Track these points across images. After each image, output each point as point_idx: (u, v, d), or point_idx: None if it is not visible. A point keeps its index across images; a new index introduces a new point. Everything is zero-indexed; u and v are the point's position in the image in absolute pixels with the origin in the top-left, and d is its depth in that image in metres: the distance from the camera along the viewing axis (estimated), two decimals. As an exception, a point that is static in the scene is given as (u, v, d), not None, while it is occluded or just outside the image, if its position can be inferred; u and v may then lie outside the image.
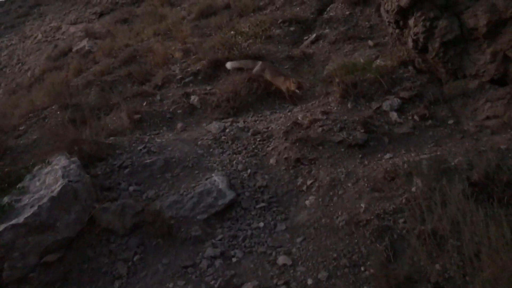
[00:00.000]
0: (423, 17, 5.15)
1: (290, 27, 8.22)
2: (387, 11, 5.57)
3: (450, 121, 4.97)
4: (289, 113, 5.80)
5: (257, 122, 5.84)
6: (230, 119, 6.02)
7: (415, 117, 5.04)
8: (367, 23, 7.80)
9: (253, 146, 5.20)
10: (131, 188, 4.61)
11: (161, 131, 5.92)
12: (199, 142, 5.36)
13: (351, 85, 5.41)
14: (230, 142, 5.33)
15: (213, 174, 4.56)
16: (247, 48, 7.45)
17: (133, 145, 5.28)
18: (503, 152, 4.24)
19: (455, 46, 5.12)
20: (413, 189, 3.85)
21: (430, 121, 4.98)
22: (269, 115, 6.11)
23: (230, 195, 4.37)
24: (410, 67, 5.65)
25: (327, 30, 7.91)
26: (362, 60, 5.98)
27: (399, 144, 4.74)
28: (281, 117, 5.76)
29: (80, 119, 6.04)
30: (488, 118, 4.88)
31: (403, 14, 5.37)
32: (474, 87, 5.08)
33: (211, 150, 5.22)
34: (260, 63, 6.62)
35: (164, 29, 9.72)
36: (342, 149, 4.73)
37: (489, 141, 4.55)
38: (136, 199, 4.44)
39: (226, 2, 10.31)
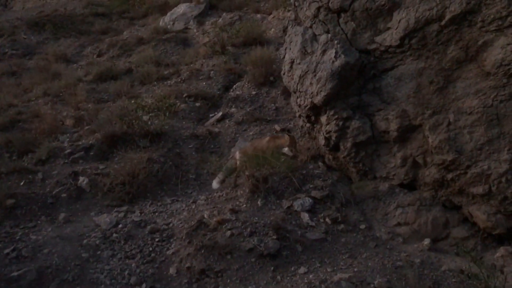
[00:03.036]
0: (336, 116, 4.85)
1: (196, 102, 7.63)
2: (299, 105, 5.21)
3: (362, 226, 4.61)
4: (193, 205, 5.07)
5: (156, 214, 5.02)
6: (125, 208, 5.13)
7: (327, 219, 4.60)
8: (273, 105, 7.49)
9: (150, 249, 4.36)
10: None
11: (39, 222, 4.82)
12: (84, 241, 4.39)
13: (261, 180, 4.86)
14: (122, 242, 4.44)
15: (98, 295, 3.62)
16: (149, 123, 6.65)
17: (-1, 245, 4.16)
18: (418, 269, 3.90)
19: (367, 147, 4.87)
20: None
21: (342, 225, 4.57)
22: (170, 204, 5.31)
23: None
24: (320, 163, 5.30)
25: (233, 109, 7.44)
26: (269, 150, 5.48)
27: (312, 253, 4.23)
28: (183, 210, 5.00)
29: None
30: (399, 224, 4.60)
31: (315, 111, 5.04)
32: (385, 190, 4.81)
33: (99, 252, 4.27)
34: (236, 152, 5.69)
35: (56, 90, 8.56)
36: (253, 259, 4.09)
37: (403, 253, 4.22)
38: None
39: (127, 67, 9.51)
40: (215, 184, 5.38)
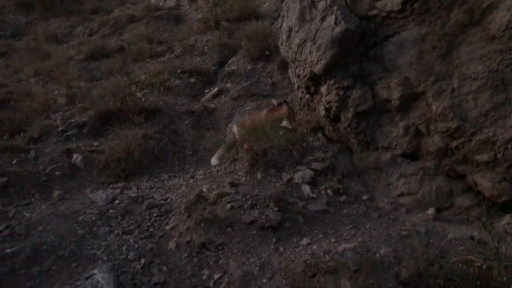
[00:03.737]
0: (336, 86, 4.66)
1: (190, 78, 7.39)
2: (298, 76, 5.01)
3: (364, 197, 4.47)
4: (191, 180, 4.90)
5: (154, 189, 4.84)
6: (121, 185, 4.95)
7: (329, 191, 4.45)
8: (269, 79, 7.29)
9: (148, 224, 4.19)
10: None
11: (33, 200, 4.64)
12: (80, 218, 4.21)
13: (260, 153, 4.69)
14: (119, 218, 4.26)
15: (95, 270, 3.44)
16: (143, 100, 6.43)
17: (-8, 222, 3.98)
18: (424, 238, 3.76)
19: (368, 117, 4.70)
20: (342, 293, 3.15)
21: (344, 197, 4.42)
22: (168, 180, 5.14)
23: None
24: (320, 135, 5.12)
25: (229, 84, 7.23)
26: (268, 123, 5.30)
27: (315, 225, 4.08)
28: (181, 185, 4.83)
29: None
30: (402, 194, 4.46)
31: (315, 81, 4.84)
32: (387, 160, 4.65)
33: (95, 229, 4.10)
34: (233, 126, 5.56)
35: (47, 69, 8.28)
36: (254, 232, 3.93)
37: (407, 223, 4.09)
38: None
39: (120, 45, 9.22)
40: (214, 160, 5.21)
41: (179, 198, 4.50)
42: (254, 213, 4.03)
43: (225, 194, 4.23)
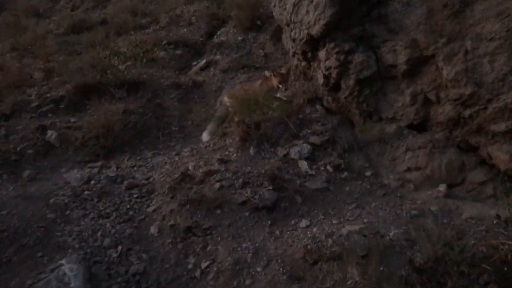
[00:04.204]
0: (336, 50, 4.13)
1: (177, 50, 6.84)
2: (293, 40, 4.48)
3: (368, 173, 4.00)
4: (176, 157, 4.40)
5: (135, 168, 4.35)
6: (99, 164, 4.44)
7: (328, 167, 3.98)
8: (261, 51, 6.75)
9: (128, 206, 3.71)
10: None
11: (0, 181, 4.12)
12: (51, 200, 3.71)
13: (253, 126, 4.19)
14: (95, 200, 3.77)
15: (63, 261, 2.95)
16: (125, 72, 5.87)
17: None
18: (437, 217, 3.31)
19: (372, 84, 4.20)
20: (349, 282, 2.69)
21: (345, 173, 3.95)
22: (151, 158, 4.64)
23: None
24: (318, 106, 4.62)
25: (218, 56, 6.69)
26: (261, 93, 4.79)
27: (314, 204, 3.61)
28: (166, 163, 4.33)
29: None
30: (409, 170, 3.99)
31: (312, 45, 4.32)
32: (391, 132, 4.17)
33: (68, 212, 3.61)
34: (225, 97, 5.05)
35: (25, 44, 7.66)
36: (247, 213, 3.46)
37: (417, 200, 3.63)
38: None
39: (102, 17, 8.62)
40: (205, 136, 4.70)
41: (162, 177, 4.01)
42: (246, 192, 3.56)
43: (214, 172, 3.75)
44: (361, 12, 4.15)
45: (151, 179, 4.04)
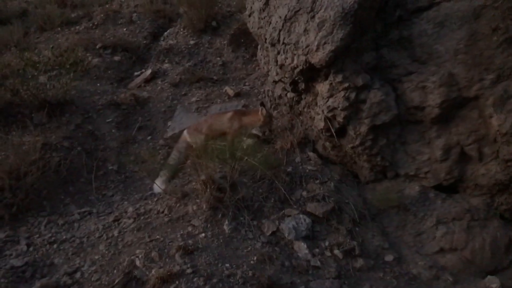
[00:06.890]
0: (345, 85, 2.79)
1: (114, 55, 5.21)
2: (281, 66, 3.07)
3: (389, 257, 2.77)
4: (115, 230, 2.91)
5: (54, 246, 2.83)
6: (2, 235, 2.86)
7: (336, 252, 2.69)
8: (218, 59, 5.33)
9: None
10: None
11: None
12: None
13: (228, 187, 2.78)
14: (-15, 327, 2.22)
15: None
16: (46, 87, 4.16)
17: None
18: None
19: (389, 131, 2.92)
20: None
21: (360, 261, 2.68)
22: (79, 221, 3.16)
23: None
24: (309, 153, 3.28)
25: (166, 65, 5.17)
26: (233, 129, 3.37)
27: (327, 320, 2.31)
28: (100, 239, 2.83)
29: None
30: (442, 251, 2.81)
31: (309, 74, 2.94)
32: (414, 195, 2.96)
33: None
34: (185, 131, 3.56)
35: None
36: None
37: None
38: None
39: (23, 8, 6.67)
40: (157, 187, 3.20)
41: (95, 273, 2.50)
42: (229, 314, 2.17)
43: (174, 276, 2.30)
44: (375, 32, 2.85)
45: (77, 275, 2.53)
